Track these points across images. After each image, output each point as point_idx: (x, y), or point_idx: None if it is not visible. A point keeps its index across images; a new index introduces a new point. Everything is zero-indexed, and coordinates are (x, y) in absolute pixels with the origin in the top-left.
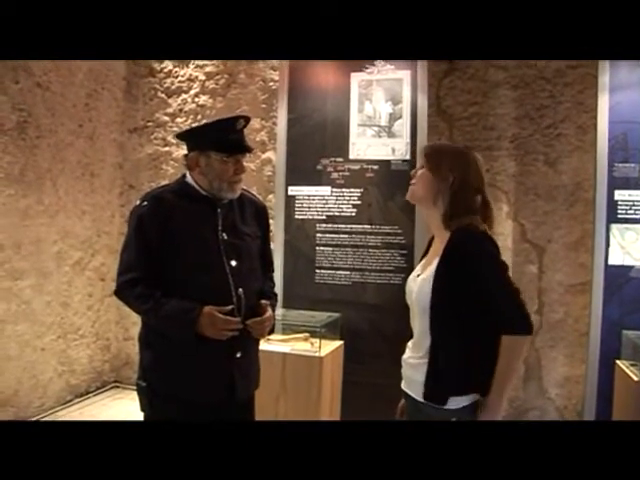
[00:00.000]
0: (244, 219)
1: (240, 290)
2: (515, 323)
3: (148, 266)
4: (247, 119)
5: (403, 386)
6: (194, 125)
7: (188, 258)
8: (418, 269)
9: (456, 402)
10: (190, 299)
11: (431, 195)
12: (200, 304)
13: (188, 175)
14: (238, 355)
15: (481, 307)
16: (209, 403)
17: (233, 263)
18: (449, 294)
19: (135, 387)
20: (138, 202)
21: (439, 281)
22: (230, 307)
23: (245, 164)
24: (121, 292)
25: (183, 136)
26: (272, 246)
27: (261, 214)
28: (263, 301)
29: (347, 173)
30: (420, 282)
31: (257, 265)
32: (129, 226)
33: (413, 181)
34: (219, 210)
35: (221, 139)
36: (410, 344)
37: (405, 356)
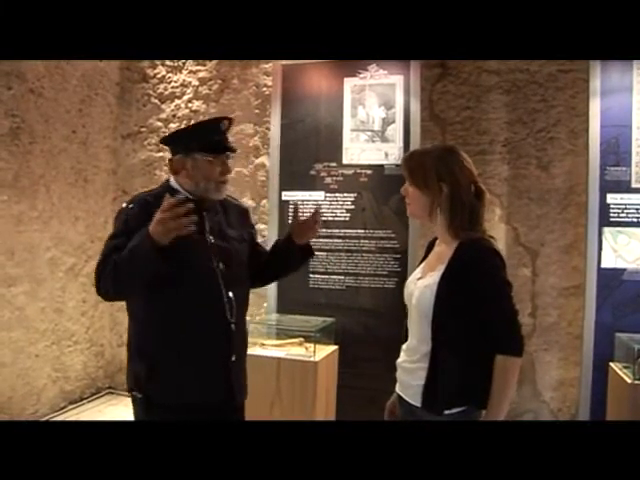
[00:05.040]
0: (229, 223)
1: (230, 293)
2: (507, 344)
3: None
4: (230, 120)
5: (398, 389)
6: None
7: (177, 261)
8: (418, 272)
9: (452, 410)
10: (181, 303)
11: (428, 212)
12: (193, 308)
13: (172, 179)
14: (233, 359)
15: (479, 322)
16: (208, 408)
17: (221, 266)
18: (452, 305)
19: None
20: (124, 205)
21: (443, 291)
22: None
23: (239, 169)
24: (100, 274)
25: (168, 140)
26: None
27: (245, 217)
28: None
29: (341, 178)
30: (422, 288)
31: (245, 270)
32: (113, 229)
33: (408, 200)
34: (205, 213)
35: (207, 140)
36: (405, 347)
37: (400, 360)
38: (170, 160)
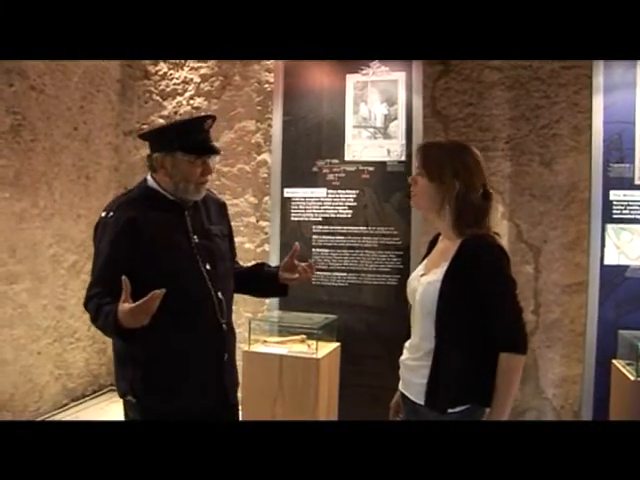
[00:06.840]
0: (210, 219)
1: (219, 294)
2: (511, 342)
3: (114, 279)
4: (214, 118)
5: (401, 387)
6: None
7: (164, 266)
8: (421, 268)
9: (455, 408)
10: (172, 308)
11: (436, 206)
12: (184, 312)
13: (150, 178)
14: (225, 358)
15: (483, 319)
16: (203, 410)
17: (208, 267)
18: (456, 302)
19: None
20: (103, 213)
21: (447, 287)
22: (159, 291)
23: (240, 166)
24: (86, 306)
25: (148, 136)
26: (268, 248)
27: (223, 211)
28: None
29: (343, 175)
30: (425, 284)
31: (230, 266)
32: (95, 238)
33: (414, 190)
34: (187, 213)
35: (189, 140)
36: (407, 344)
37: (403, 357)
38: (149, 156)
